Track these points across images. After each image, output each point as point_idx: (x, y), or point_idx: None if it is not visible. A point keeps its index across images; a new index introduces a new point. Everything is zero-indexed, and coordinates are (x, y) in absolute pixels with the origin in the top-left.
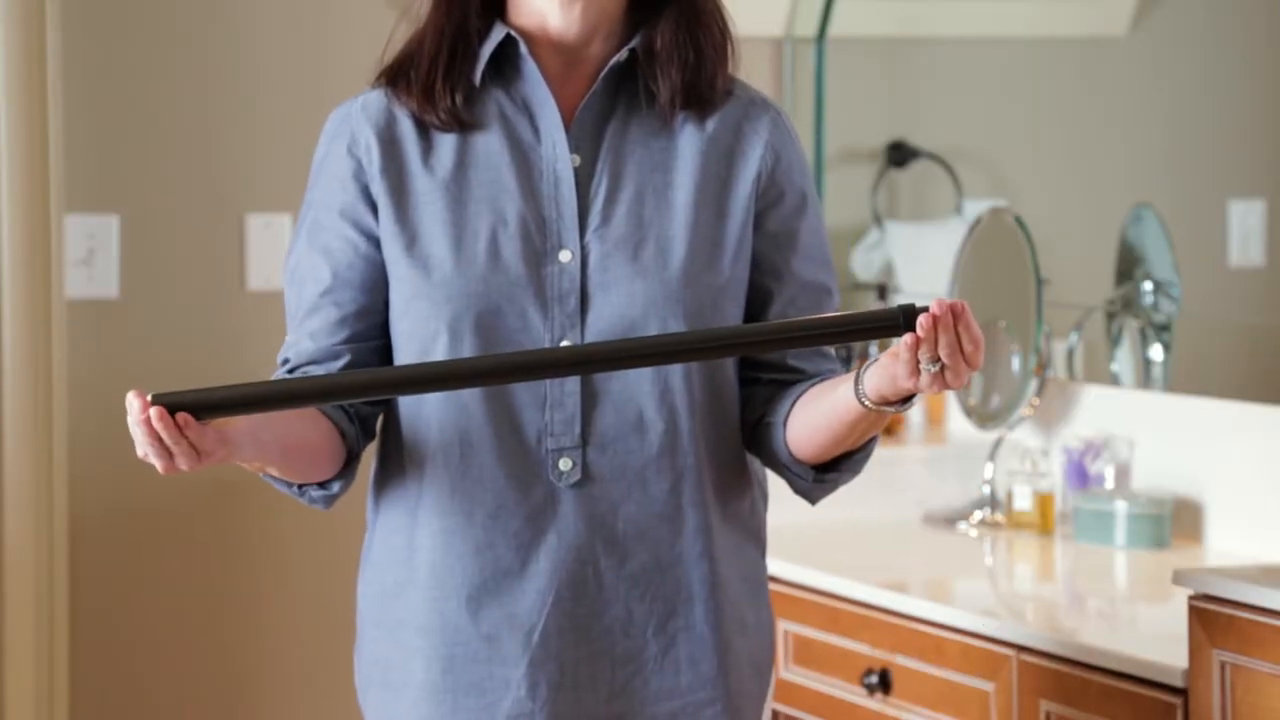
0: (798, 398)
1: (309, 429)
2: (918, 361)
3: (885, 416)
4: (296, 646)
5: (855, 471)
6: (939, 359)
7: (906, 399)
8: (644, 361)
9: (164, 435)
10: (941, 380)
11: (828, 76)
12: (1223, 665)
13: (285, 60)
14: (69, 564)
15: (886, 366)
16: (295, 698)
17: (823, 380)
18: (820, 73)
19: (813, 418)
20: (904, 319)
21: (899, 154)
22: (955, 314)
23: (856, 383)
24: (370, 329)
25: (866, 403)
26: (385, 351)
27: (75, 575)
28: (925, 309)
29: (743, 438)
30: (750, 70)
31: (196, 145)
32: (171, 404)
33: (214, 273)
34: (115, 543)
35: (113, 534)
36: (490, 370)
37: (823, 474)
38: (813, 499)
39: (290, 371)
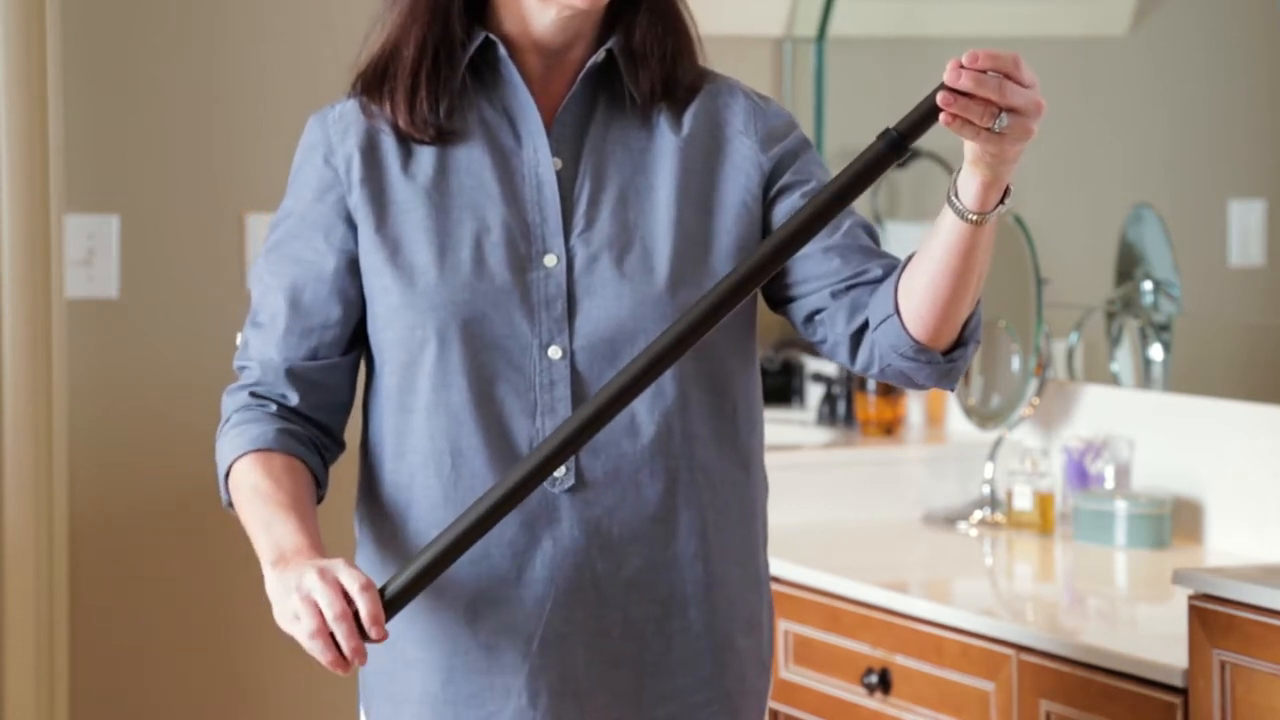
0: (898, 280)
1: (309, 500)
2: (984, 128)
3: (991, 230)
4: (296, 645)
5: (978, 340)
6: (997, 110)
7: (1004, 193)
8: (658, 370)
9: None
10: (1022, 124)
11: (828, 76)
12: (1223, 665)
13: (285, 60)
14: (69, 564)
15: (967, 156)
16: (295, 697)
17: (908, 257)
18: (820, 73)
19: (923, 278)
20: (902, 133)
21: None
22: (969, 63)
23: (952, 202)
24: (335, 342)
25: (971, 217)
26: (350, 369)
27: (75, 575)
28: (932, 102)
29: (847, 357)
30: (750, 70)
31: (196, 145)
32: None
33: (214, 273)
34: (115, 542)
35: (113, 534)
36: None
37: (950, 354)
38: (950, 382)
39: (256, 384)
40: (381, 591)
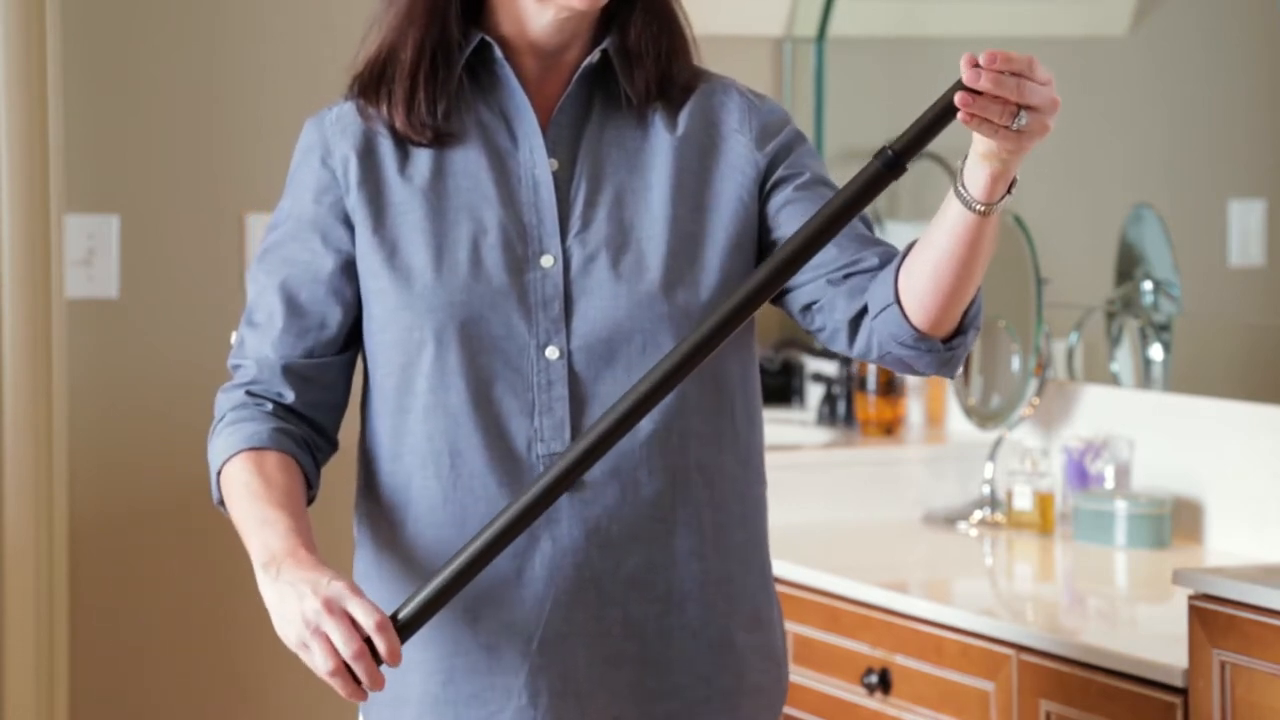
0: (899, 268)
1: (302, 499)
2: (1003, 126)
3: (996, 220)
4: None
5: (978, 327)
6: (1016, 109)
7: (1009, 185)
8: (659, 396)
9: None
10: (1039, 121)
11: (828, 76)
12: (1223, 665)
13: (285, 60)
14: (69, 563)
15: (977, 149)
16: (295, 697)
17: (908, 246)
18: (820, 73)
19: (927, 266)
20: (895, 155)
21: None
22: (987, 64)
23: (959, 192)
24: (331, 342)
25: (978, 207)
26: (345, 367)
27: (75, 575)
28: (949, 103)
29: (845, 343)
30: (750, 70)
31: (196, 145)
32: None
33: (214, 273)
34: (115, 542)
35: (113, 534)
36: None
37: (950, 341)
38: (951, 370)
39: (251, 383)
40: (393, 617)
